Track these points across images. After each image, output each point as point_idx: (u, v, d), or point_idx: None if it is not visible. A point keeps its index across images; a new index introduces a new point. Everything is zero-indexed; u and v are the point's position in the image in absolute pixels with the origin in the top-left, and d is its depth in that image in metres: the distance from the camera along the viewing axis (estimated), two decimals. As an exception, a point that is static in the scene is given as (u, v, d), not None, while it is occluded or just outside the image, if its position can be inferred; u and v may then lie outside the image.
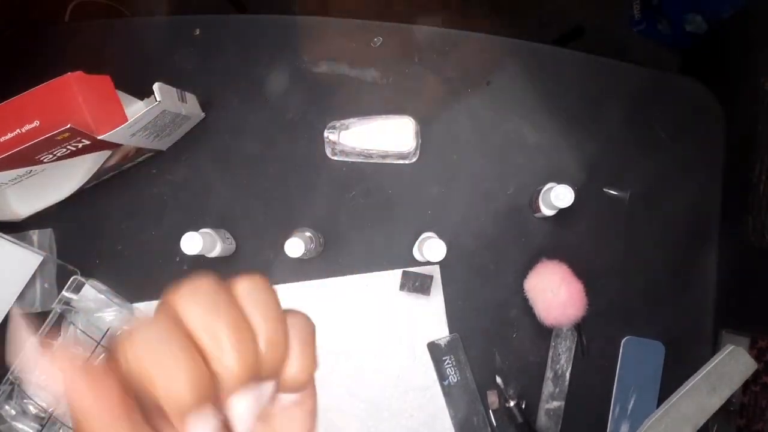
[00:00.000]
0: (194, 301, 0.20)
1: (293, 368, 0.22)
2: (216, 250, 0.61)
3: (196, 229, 0.59)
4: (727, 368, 0.65)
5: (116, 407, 0.19)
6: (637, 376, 0.67)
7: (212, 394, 0.19)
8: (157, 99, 0.54)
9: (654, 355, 0.67)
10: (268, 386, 0.22)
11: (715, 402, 0.65)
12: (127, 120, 0.52)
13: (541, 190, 0.63)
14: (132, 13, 1.15)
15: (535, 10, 1.44)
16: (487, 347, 0.67)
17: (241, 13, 0.76)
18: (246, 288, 0.21)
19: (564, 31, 1.40)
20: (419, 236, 0.66)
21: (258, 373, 0.20)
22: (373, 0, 1.21)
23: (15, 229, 0.65)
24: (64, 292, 0.63)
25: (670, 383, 0.67)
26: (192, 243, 0.57)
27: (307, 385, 0.23)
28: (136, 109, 0.59)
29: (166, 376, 0.19)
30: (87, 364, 0.19)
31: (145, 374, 0.19)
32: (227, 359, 0.19)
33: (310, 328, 0.23)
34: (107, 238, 0.67)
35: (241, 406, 0.20)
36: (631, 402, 0.67)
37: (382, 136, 0.64)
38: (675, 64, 1.32)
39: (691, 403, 0.64)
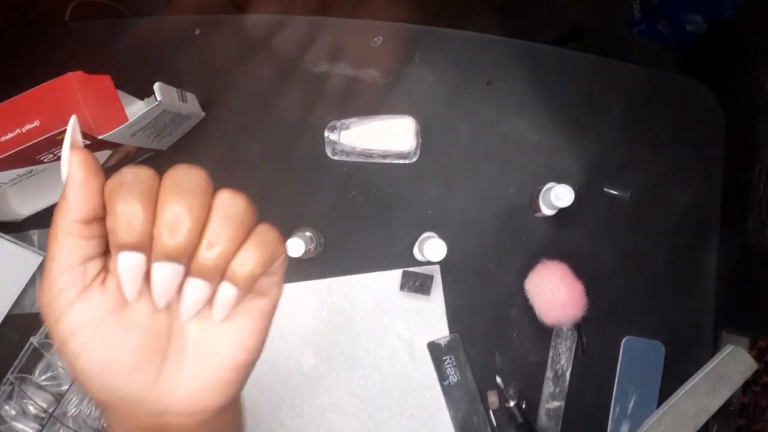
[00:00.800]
0: (181, 182, 0.23)
1: (236, 261, 0.24)
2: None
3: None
4: (728, 368, 0.65)
5: (86, 207, 0.23)
6: (637, 376, 0.67)
7: (148, 248, 0.23)
8: (158, 99, 0.54)
9: (654, 355, 0.67)
10: (198, 283, 0.24)
11: (716, 402, 0.65)
12: (127, 120, 0.52)
13: (541, 189, 0.63)
14: (132, 13, 1.14)
15: (535, 10, 1.44)
16: (488, 347, 0.67)
17: (241, 13, 0.76)
18: (224, 198, 0.24)
19: (564, 31, 1.40)
20: (419, 236, 0.66)
21: (187, 260, 0.23)
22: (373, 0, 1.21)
23: (15, 229, 0.65)
24: (64, 292, 0.63)
25: (670, 383, 0.67)
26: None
27: (248, 285, 0.25)
28: (136, 109, 0.59)
29: (122, 210, 0.22)
30: (90, 163, 0.23)
31: (111, 199, 0.23)
32: (165, 233, 0.23)
33: (271, 237, 0.25)
34: (107, 238, 0.67)
35: (160, 273, 0.23)
36: (632, 402, 0.67)
37: (382, 136, 0.64)
38: (675, 64, 1.32)
39: (691, 403, 0.64)
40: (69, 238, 0.23)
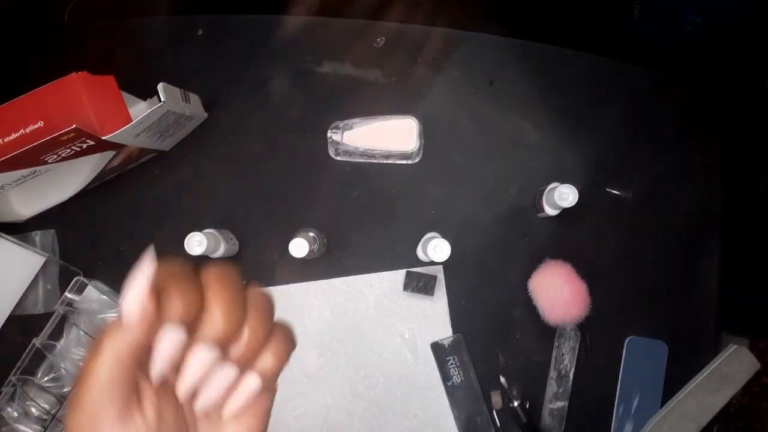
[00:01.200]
0: (226, 278, 0.26)
1: (266, 353, 0.27)
2: (219, 251, 0.61)
3: (199, 229, 0.59)
4: (731, 368, 0.65)
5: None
6: (640, 376, 0.67)
7: (189, 327, 0.25)
8: (161, 99, 0.53)
9: (657, 355, 0.67)
10: (231, 369, 0.26)
11: (719, 402, 0.65)
12: (131, 120, 0.52)
13: (544, 189, 0.63)
14: (131, 14, 1.14)
15: (535, 10, 1.44)
16: (491, 347, 0.67)
17: (242, 13, 0.76)
18: (257, 294, 0.27)
19: (564, 31, 1.40)
20: (423, 236, 0.66)
21: (224, 347, 0.26)
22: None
23: (17, 230, 0.65)
24: (66, 293, 0.63)
25: (673, 383, 0.67)
26: (196, 243, 0.57)
27: (274, 376, 0.27)
28: (139, 109, 0.59)
29: (177, 291, 0.24)
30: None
31: (167, 281, 0.25)
32: (213, 319, 0.25)
33: (292, 332, 0.29)
34: (110, 238, 0.67)
35: (200, 356, 0.25)
36: (635, 402, 0.67)
37: (385, 136, 0.64)
38: (675, 64, 1.32)
39: (694, 403, 0.65)
40: (118, 363, 0.24)
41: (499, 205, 0.68)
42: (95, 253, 0.67)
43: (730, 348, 0.66)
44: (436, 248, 0.59)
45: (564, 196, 0.59)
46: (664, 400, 0.67)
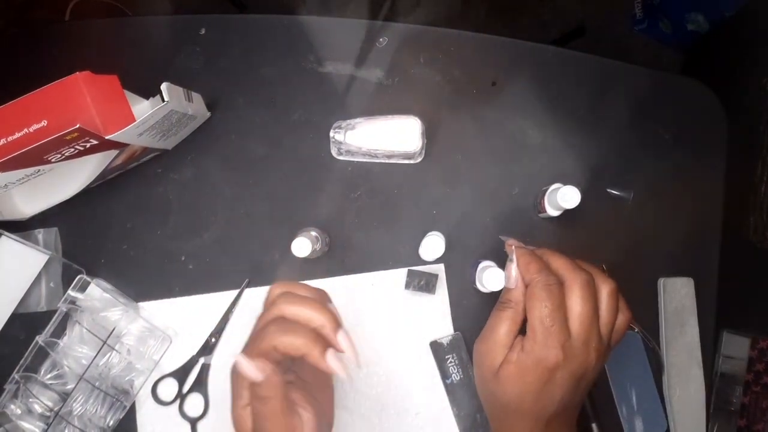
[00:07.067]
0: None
1: None
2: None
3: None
4: (675, 301, 0.68)
5: None
6: (628, 371, 0.68)
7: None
8: (165, 99, 0.54)
9: (632, 346, 0.68)
10: None
11: (693, 332, 0.68)
12: (135, 120, 0.52)
13: (546, 190, 0.63)
14: (132, 13, 1.14)
15: (535, 10, 1.44)
16: (492, 346, 0.67)
17: (242, 13, 0.76)
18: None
19: (565, 31, 1.40)
20: (424, 236, 0.66)
21: None
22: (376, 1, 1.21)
23: (20, 228, 0.65)
24: (69, 291, 0.63)
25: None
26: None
27: None
28: (141, 108, 0.59)
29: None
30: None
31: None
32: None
33: None
34: (112, 237, 0.67)
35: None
36: (633, 397, 0.67)
37: (388, 136, 0.64)
38: (676, 63, 1.32)
39: (679, 352, 0.67)
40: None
41: (500, 205, 0.69)
42: (98, 252, 0.67)
43: (660, 285, 0.69)
44: (431, 246, 0.61)
45: (567, 197, 0.59)
46: (658, 387, 0.68)
